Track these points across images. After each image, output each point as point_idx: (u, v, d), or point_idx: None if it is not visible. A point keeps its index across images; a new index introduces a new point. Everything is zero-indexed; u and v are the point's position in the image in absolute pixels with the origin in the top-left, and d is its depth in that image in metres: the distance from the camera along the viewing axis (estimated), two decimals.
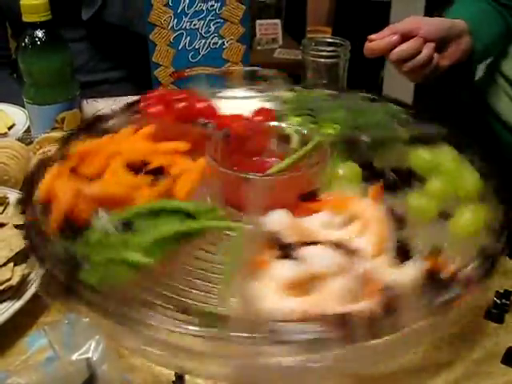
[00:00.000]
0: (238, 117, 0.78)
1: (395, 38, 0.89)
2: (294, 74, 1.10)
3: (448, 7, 1.20)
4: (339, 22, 2.77)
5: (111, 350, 0.46)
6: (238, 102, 0.84)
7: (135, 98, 0.91)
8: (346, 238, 0.57)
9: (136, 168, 0.68)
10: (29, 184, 0.64)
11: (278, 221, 0.57)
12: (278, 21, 2.48)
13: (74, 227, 0.58)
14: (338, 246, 0.54)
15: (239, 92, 0.90)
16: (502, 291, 0.63)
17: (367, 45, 0.92)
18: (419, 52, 0.89)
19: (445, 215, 0.65)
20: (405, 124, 0.79)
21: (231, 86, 0.91)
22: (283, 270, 0.53)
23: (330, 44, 1.07)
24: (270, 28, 2.44)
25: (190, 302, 0.53)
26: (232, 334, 0.45)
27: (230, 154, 0.70)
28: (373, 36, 0.92)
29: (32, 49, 0.90)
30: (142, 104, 0.82)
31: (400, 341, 0.49)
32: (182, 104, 0.77)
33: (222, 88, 0.89)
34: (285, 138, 0.74)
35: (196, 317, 0.48)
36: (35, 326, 0.61)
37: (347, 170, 0.71)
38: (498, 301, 0.63)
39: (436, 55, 0.91)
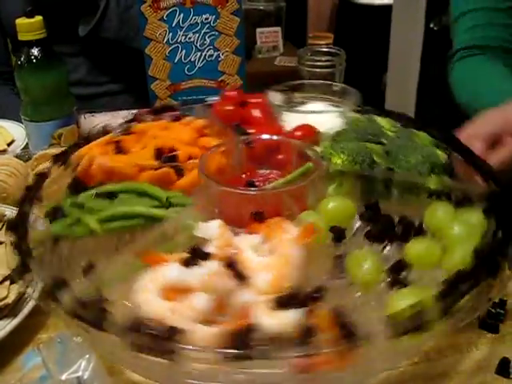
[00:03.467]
0: (276, 129, 0.78)
1: (478, 145, 0.77)
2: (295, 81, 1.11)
3: (447, 11, 1.19)
4: (340, 27, 2.78)
5: (101, 369, 0.46)
6: (310, 116, 0.81)
7: (132, 111, 0.92)
8: (257, 265, 0.55)
9: (162, 152, 0.73)
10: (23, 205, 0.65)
11: (208, 229, 0.58)
12: (278, 28, 2.48)
13: (80, 188, 0.68)
14: (231, 267, 0.53)
15: (315, 106, 0.89)
16: (496, 301, 0.62)
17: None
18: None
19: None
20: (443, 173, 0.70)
21: (308, 99, 0.90)
22: (166, 272, 0.52)
23: (325, 54, 1.08)
24: (270, 36, 2.44)
25: None
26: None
27: (250, 161, 0.72)
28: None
29: (28, 67, 0.91)
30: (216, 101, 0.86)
31: None
32: (229, 107, 0.82)
33: (299, 101, 0.90)
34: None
35: None
36: (31, 344, 0.62)
37: (339, 206, 0.65)
38: (493, 310, 0.62)
39: None
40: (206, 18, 1.03)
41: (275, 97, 0.87)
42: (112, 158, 0.72)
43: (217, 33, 1.05)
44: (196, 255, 0.53)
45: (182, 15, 1.03)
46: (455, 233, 0.59)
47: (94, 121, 1.07)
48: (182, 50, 1.05)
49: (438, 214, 0.63)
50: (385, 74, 2.60)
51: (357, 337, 0.44)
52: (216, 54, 1.06)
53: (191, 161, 0.72)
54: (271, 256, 0.56)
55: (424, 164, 0.69)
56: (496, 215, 0.59)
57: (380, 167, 0.70)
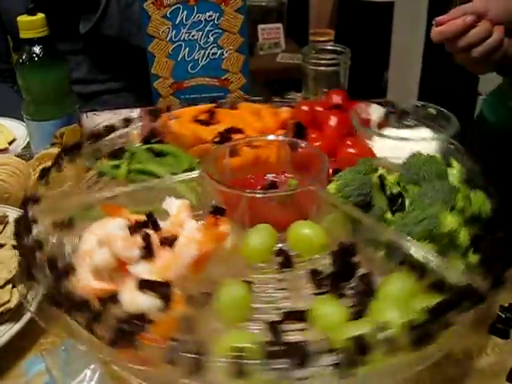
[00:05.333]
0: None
1: (470, 18, 0.79)
2: (297, 78, 1.10)
3: (450, 8, 1.18)
4: (342, 24, 2.76)
5: (107, 379, 0.45)
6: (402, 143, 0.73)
7: (135, 110, 0.91)
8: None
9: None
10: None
11: (173, 206, 0.60)
12: (280, 25, 2.46)
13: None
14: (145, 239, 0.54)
15: (419, 132, 0.80)
16: (506, 305, 0.61)
17: (435, 29, 0.81)
18: (489, 36, 0.80)
19: None
20: None
21: (409, 125, 0.82)
22: (110, 224, 0.55)
23: (330, 52, 1.07)
24: (272, 32, 2.43)
25: None
26: None
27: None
28: (441, 18, 0.81)
29: (29, 65, 0.90)
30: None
31: None
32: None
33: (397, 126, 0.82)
34: None
35: None
36: (34, 349, 0.61)
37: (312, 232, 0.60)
38: (503, 315, 0.61)
39: (506, 40, 0.81)
40: (210, 16, 1.02)
41: (376, 111, 0.81)
42: (186, 125, 0.81)
43: (220, 30, 1.03)
44: (146, 222, 0.56)
45: (185, 12, 1.01)
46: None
47: (96, 119, 1.05)
48: (185, 48, 1.04)
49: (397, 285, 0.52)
50: (386, 71, 2.58)
51: None
52: (219, 51, 1.05)
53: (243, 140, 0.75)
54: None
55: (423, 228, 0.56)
56: None
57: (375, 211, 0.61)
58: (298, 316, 0.51)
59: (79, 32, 1.29)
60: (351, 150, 0.74)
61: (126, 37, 1.30)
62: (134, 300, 0.49)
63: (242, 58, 1.06)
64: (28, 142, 1.02)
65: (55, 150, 0.88)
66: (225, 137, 0.78)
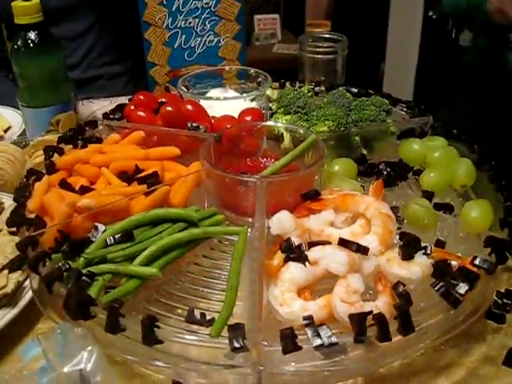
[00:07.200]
0: (229, 118, 0.77)
1: None
2: (294, 68, 1.09)
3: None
4: (338, 14, 2.75)
5: (104, 361, 0.45)
6: (226, 103, 0.83)
7: (127, 98, 0.91)
8: (352, 236, 0.57)
9: (128, 177, 0.67)
10: (21, 196, 0.63)
11: (283, 223, 0.57)
12: (276, 15, 2.46)
13: (71, 242, 0.58)
14: (346, 244, 0.54)
15: (225, 92, 0.89)
16: (502, 290, 0.61)
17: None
18: None
19: (444, 207, 0.65)
20: (395, 117, 0.82)
21: (216, 85, 0.92)
22: (296, 273, 0.53)
23: (327, 40, 1.06)
24: (268, 23, 2.42)
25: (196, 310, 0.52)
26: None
27: (224, 156, 0.70)
28: None
29: (24, 51, 0.89)
30: (126, 110, 0.81)
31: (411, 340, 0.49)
32: (170, 108, 0.76)
33: (206, 88, 0.91)
34: (276, 138, 0.73)
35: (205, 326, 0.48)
36: (31, 334, 0.61)
37: (343, 166, 0.71)
38: (500, 300, 0.61)
39: None
40: (207, 3, 1.01)
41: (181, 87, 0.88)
42: (90, 197, 0.64)
43: (217, 18, 1.03)
44: (294, 251, 0.54)
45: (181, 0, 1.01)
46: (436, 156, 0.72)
47: (92, 107, 1.05)
48: (181, 36, 1.03)
49: (414, 147, 0.75)
50: (383, 63, 2.58)
51: None
52: (216, 39, 1.05)
53: (169, 174, 0.69)
54: (359, 222, 0.59)
55: (380, 112, 0.79)
56: None
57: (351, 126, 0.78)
58: None
59: (75, 16, 1.28)
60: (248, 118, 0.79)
61: None
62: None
63: (239, 45, 1.06)
64: (23, 130, 1.01)
65: (51, 137, 0.88)
66: (147, 175, 0.68)
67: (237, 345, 0.44)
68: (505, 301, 0.61)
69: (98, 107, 0.98)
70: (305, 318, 0.46)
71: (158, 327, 0.47)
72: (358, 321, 0.45)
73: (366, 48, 2.45)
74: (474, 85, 1.20)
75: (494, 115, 1.00)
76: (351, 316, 0.46)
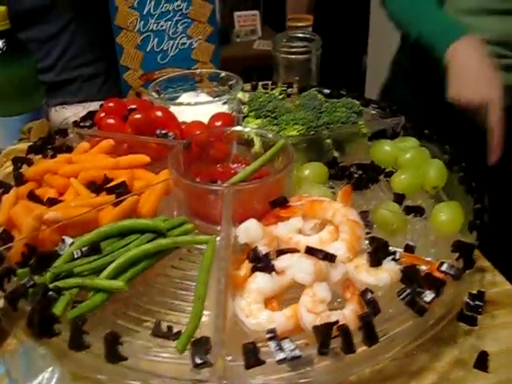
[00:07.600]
0: (198, 124, 0.76)
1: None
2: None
3: None
4: (320, 8, 2.74)
5: (66, 380, 0.45)
6: (197, 108, 0.83)
7: (100, 103, 0.90)
8: (320, 243, 0.57)
9: (97, 187, 0.67)
10: None
11: (251, 232, 0.56)
12: (256, 12, 2.45)
13: (38, 256, 0.57)
14: (313, 252, 0.53)
15: (197, 96, 0.89)
16: (474, 292, 0.61)
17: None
18: None
19: (414, 210, 0.65)
20: (366, 118, 0.82)
21: (188, 89, 0.92)
22: (262, 283, 0.52)
23: (301, 39, 1.06)
24: (248, 19, 2.41)
25: (164, 323, 0.51)
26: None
27: (193, 163, 0.69)
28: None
29: None
30: (96, 117, 0.81)
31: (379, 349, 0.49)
32: (138, 115, 0.75)
33: (178, 93, 0.90)
34: (247, 143, 0.73)
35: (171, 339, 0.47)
36: None
37: (314, 170, 0.71)
38: (471, 302, 0.61)
39: None
40: (178, 6, 1.01)
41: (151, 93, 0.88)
42: (57, 209, 0.63)
43: (189, 20, 1.02)
44: (261, 260, 0.54)
45: (153, 3, 1.00)
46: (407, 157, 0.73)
47: (65, 113, 1.04)
48: (154, 39, 1.02)
49: (385, 148, 0.76)
50: (365, 56, 2.58)
51: None
52: (189, 42, 1.04)
53: (138, 183, 0.68)
54: (326, 229, 0.59)
55: (351, 114, 0.79)
56: None
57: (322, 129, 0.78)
58: None
59: (48, 17, 1.27)
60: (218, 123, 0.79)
61: None
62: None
63: (212, 47, 1.05)
64: None
65: (23, 146, 0.87)
66: (115, 186, 0.67)
67: (198, 361, 0.44)
68: (477, 303, 0.61)
69: (70, 113, 0.97)
70: (268, 332, 0.46)
71: (121, 344, 0.47)
72: (322, 332, 0.45)
73: (348, 42, 2.44)
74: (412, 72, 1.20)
75: (435, 101, 1.00)
76: (315, 328, 0.46)
